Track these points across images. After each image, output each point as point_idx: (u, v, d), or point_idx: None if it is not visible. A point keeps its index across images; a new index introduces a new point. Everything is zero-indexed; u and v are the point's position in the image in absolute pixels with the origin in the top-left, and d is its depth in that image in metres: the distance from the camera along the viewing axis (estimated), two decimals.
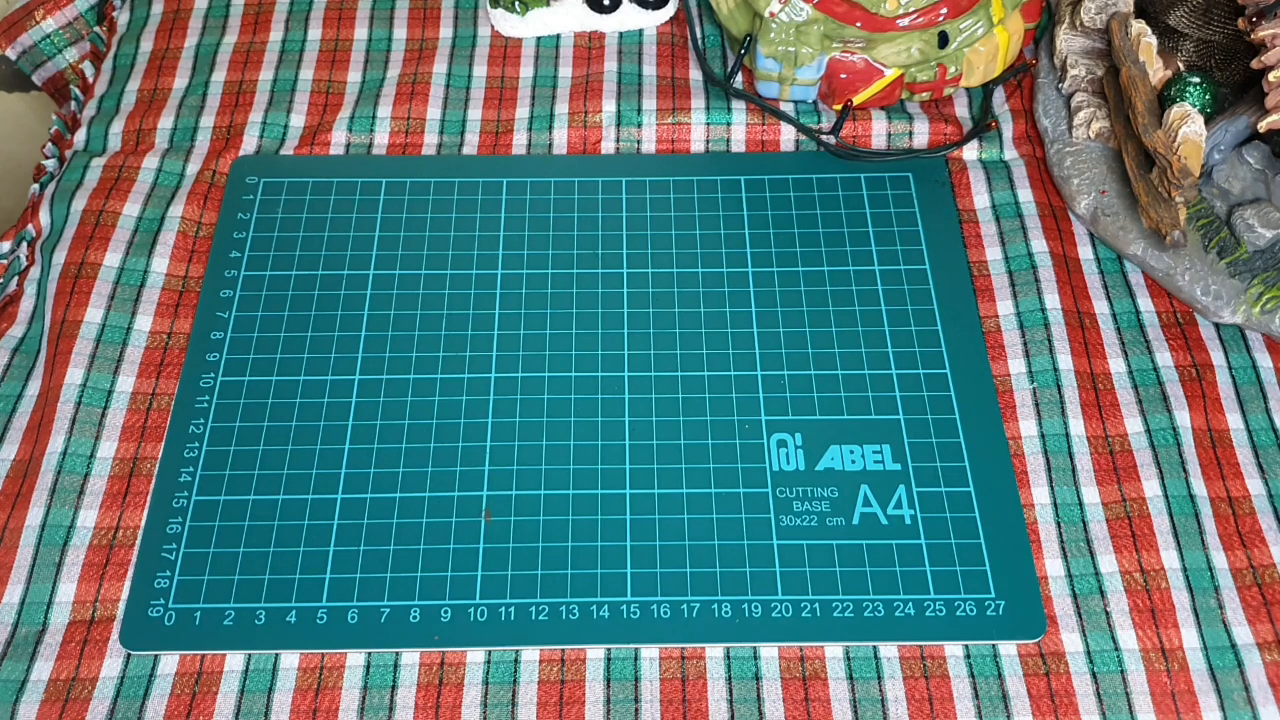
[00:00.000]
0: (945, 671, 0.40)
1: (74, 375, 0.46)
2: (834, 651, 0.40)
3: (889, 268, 0.49)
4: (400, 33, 0.58)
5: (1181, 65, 0.50)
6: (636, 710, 0.39)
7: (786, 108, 0.54)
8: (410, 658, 0.40)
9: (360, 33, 0.58)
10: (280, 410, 0.45)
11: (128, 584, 0.42)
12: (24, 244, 0.51)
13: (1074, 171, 0.50)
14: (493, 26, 0.58)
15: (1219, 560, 0.41)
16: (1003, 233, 0.50)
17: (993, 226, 0.50)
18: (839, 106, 0.53)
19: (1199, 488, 0.43)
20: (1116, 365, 0.46)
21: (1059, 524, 0.43)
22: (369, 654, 0.40)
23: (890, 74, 0.51)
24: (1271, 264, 0.46)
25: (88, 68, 0.58)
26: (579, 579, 0.41)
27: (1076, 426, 0.44)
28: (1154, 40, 0.48)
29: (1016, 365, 0.46)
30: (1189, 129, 0.44)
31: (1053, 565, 0.42)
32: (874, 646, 0.40)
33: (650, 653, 0.40)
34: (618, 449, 0.44)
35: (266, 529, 0.43)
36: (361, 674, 0.40)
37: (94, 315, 0.48)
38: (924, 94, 0.53)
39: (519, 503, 0.43)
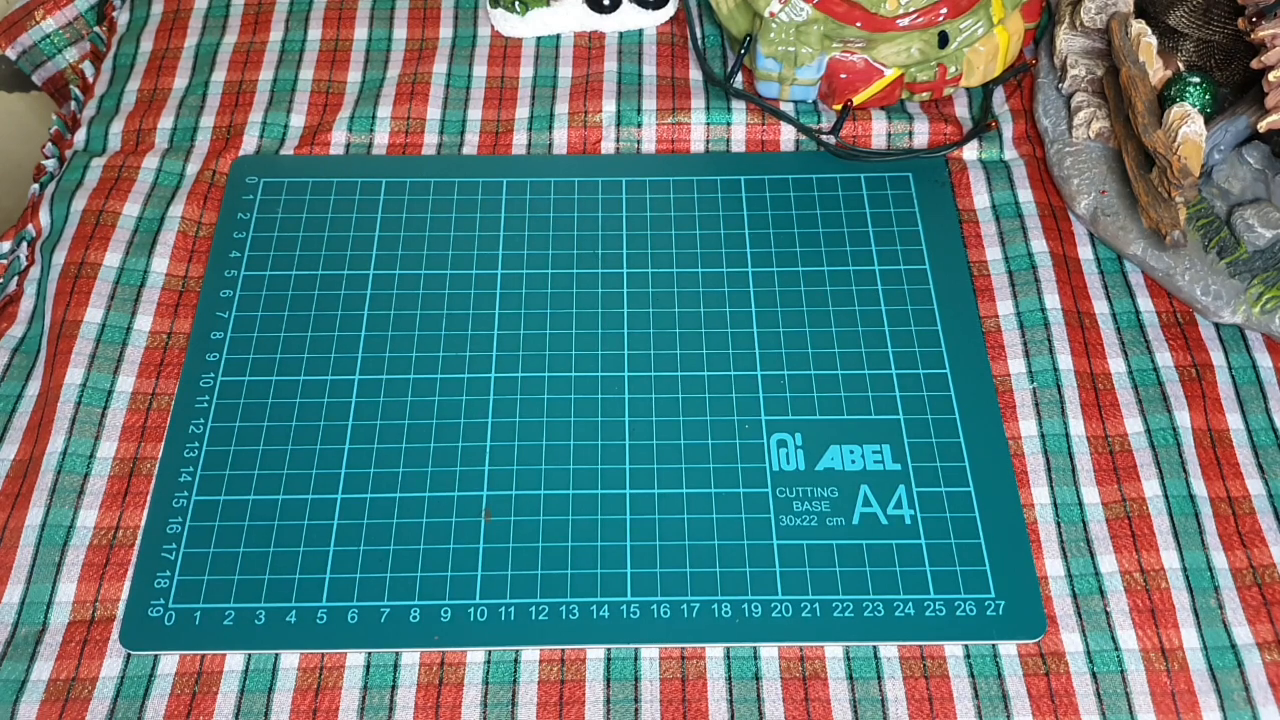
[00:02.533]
0: (945, 671, 0.40)
1: (74, 375, 0.46)
2: (834, 651, 0.40)
3: (889, 268, 0.49)
4: (400, 33, 0.58)
5: (1181, 65, 0.50)
6: (636, 710, 0.39)
7: (786, 108, 0.54)
8: (410, 658, 0.40)
9: (360, 33, 0.58)
10: (280, 410, 0.45)
11: (128, 584, 0.42)
12: (24, 244, 0.51)
13: (1074, 171, 0.50)
14: (493, 26, 0.58)
15: (1219, 560, 0.41)
16: (1003, 233, 0.50)
17: (993, 226, 0.50)
18: (839, 106, 0.53)
19: (1199, 488, 0.43)
20: (1116, 365, 0.46)
21: (1059, 524, 0.43)
22: (369, 654, 0.40)
23: (890, 74, 0.51)
24: (1271, 264, 0.46)
25: (88, 68, 0.58)
26: (579, 579, 0.41)
27: (1076, 426, 0.44)
28: (1154, 40, 0.48)
29: (1016, 365, 0.46)
30: (1189, 129, 0.44)
31: (1053, 565, 0.42)
32: (874, 646, 0.40)
33: (650, 653, 0.40)
34: (618, 449, 0.44)
35: (266, 529, 0.43)
36: (361, 674, 0.40)
37: (94, 315, 0.48)
38: (924, 94, 0.53)
39: (519, 503, 0.43)
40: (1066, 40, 0.53)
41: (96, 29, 0.60)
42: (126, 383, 0.46)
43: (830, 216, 0.51)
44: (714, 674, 0.40)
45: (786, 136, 0.54)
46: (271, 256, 0.50)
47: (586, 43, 0.57)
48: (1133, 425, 0.44)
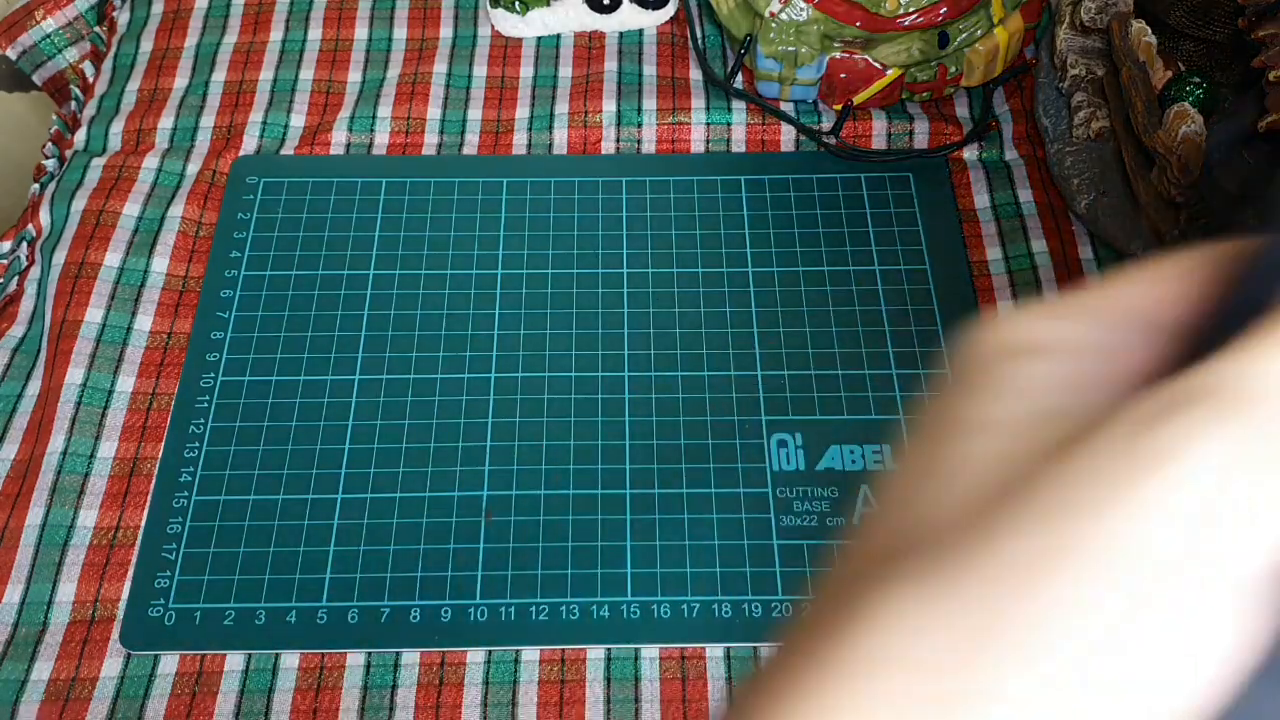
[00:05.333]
0: None
1: (74, 375, 0.46)
2: None
3: (889, 268, 0.49)
4: (400, 33, 0.58)
5: (1181, 65, 0.50)
6: (636, 710, 0.39)
7: (786, 108, 0.54)
8: (410, 658, 0.40)
9: (360, 33, 0.58)
10: (280, 410, 0.45)
11: (128, 584, 0.42)
12: (24, 244, 0.51)
13: (1074, 171, 0.50)
14: (493, 26, 0.58)
15: None
16: (1003, 233, 0.50)
17: (993, 226, 0.50)
18: (839, 106, 0.53)
19: None
20: None
21: None
22: (369, 654, 0.40)
23: (890, 74, 0.51)
24: None
25: (88, 68, 0.58)
26: (579, 579, 0.41)
27: None
28: (1154, 40, 0.48)
29: None
30: (1189, 129, 0.44)
31: None
32: None
33: (650, 653, 0.40)
34: (618, 449, 0.44)
35: (266, 529, 0.43)
36: (361, 674, 0.40)
37: (94, 315, 0.47)
38: (924, 94, 0.53)
39: (519, 503, 0.43)
40: (1066, 40, 0.53)
41: (96, 29, 0.60)
42: (126, 382, 0.46)
43: (830, 216, 0.51)
44: (714, 674, 0.40)
45: (786, 136, 0.54)
46: (271, 256, 0.50)
47: (586, 43, 0.57)
48: None
